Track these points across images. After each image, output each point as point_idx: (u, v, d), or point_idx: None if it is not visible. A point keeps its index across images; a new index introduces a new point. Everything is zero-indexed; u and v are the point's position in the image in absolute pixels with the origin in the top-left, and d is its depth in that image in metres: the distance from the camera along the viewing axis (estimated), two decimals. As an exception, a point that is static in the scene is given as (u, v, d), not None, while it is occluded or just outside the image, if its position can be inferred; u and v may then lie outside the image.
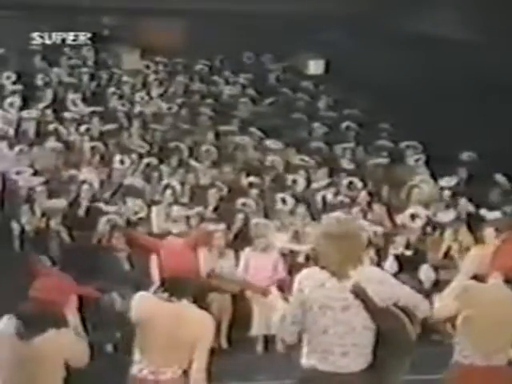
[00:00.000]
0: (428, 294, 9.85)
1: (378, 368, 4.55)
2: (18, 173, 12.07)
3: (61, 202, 11.19)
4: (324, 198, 12.19)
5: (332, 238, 4.56)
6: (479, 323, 5.07)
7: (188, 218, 11.02)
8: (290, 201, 11.69)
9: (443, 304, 5.19)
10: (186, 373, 4.93)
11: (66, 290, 4.84)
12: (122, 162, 12.50)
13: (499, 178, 12.78)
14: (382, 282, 4.56)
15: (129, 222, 11.04)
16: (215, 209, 11.69)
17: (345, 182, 12.55)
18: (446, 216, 11.55)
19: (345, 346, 4.50)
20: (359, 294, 4.47)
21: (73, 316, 4.88)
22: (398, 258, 10.64)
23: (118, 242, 10.33)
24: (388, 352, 4.54)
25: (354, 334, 4.51)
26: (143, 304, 4.95)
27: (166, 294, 4.92)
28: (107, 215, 10.95)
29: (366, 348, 4.54)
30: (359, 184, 12.47)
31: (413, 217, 11.44)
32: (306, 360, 4.60)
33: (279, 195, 11.79)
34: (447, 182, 12.56)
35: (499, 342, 5.14)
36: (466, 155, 13.68)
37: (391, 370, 4.60)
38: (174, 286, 4.91)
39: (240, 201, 11.66)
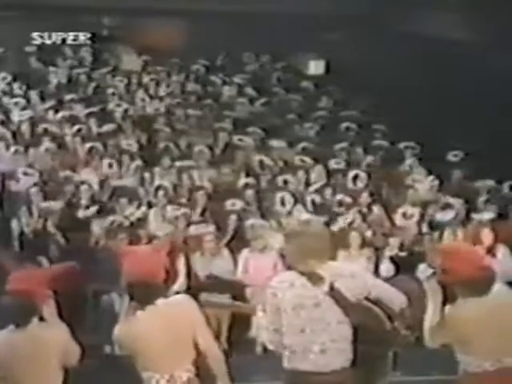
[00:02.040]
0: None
1: (360, 364, 4.54)
2: (14, 173, 12.06)
3: (57, 204, 11.17)
4: (322, 198, 12.19)
5: (292, 237, 4.63)
6: (476, 340, 4.96)
7: (176, 220, 10.98)
8: (289, 200, 11.68)
9: (432, 339, 5.06)
10: (198, 375, 4.90)
11: (40, 277, 4.86)
12: (110, 165, 12.50)
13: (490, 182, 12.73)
14: (351, 276, 4.55)
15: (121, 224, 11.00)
16: (204, 210, 11.64)
17: (351, 174, 12.54)
18: (445, 216, 11.53)
19: (323, 344, 4.50)
20: (330, 290, 4.46)
21: (50, 315, 4.89)
22: (393, 259, 10.61)
23: (122, 244, 10.30)
24: (368, 347, 4.52)
25: (329, 329, 4.51)
26: (127, 334, 4.89)
27: (137, 306, 4.85)
28: (113, 216, 10.92)
29: (344, 343, 4.53)
30: (364, 178, 12.47)
31: (405, 215, 11.44)
32: (288, 363, 4.61)
33: (278, 194, 11.76)
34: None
35: (505, 346, 5.02)
36: (461, 155, 13.70)
37: (374, 364, 4.58)
38: (138, 291, 4.86)
39: (230, 201, 11.61)
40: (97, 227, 10.77)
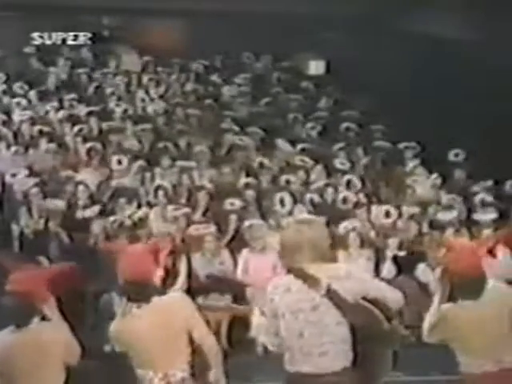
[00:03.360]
0: (429, 295, 9.96)
1: (360, 365, 4.53)
2: (14, 174, 12.06)
3: (60, 204, 11.17)
4: (322, 198, 12.19)
5: (290, 235, 4.62)
6: (474, 339, 4.95)
7: (177, 220, 10.98)
8: (289, 200, 11.67)
9: (429, 334, 5.09)
10: (194, 375, 4.91)
11: (39, 277, 4.87)
12: (119, 162, 12.48)
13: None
14: (348, 277, 4.54)
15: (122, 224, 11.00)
16: (206, 210, 11.64)
17: (344, 180, 12.54)
18: (447, 216, 11.52)
19: (322, 346, 4.50)
20: (327, 292, 4.46)
21: (51, 313, 4.90)
22: (395, 260, 10.62)
23: (121, 244, 10.29)
24: (367, 347, 4.52)
25: (328, 331, 4.50)
26: (123, 330, 4.90)
27: (133, 305, 4.86)
28: (114, 216, 10.91)
29: (343, 344, 4.52)
30: (358, 183, 12.47)
31: (405, 215, 11.47)
32: (289, 365, 4.61)
33: (278, 195, 11.75)
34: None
35: (504, 345, 5.01)
36: (463, 155, 13.70)
37: (374, 363, 4.58)
38: (133, 290, 4.86)
39: (228, 201, 11.60)
40: (97, 227, 10.76)
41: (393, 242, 10.83)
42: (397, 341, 4.61)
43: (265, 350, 9.81)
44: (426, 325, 5.05)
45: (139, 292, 4.85)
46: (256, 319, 4.88)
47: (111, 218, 10.82)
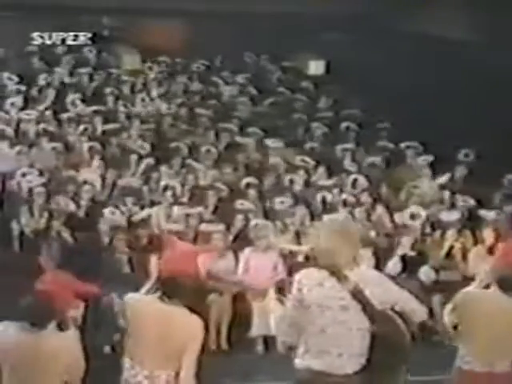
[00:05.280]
0: (428, 295, 9.96)
1: (372, 372, 4.52)
2: (16, 173, 12.04)
3: (66, 203, 11.15)
4: (324, 199, 12.17)
5: (333, 236, 4.56)
6: (478, 333, 4.99)
7: (187, 218, 10.98)
8: (289, 203, 11.69)
9: (446, 314, 5.19)
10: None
11: (68, 284, 4.88)
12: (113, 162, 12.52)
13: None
14: (379, 285, 4.54)
15: (130, 223, 11.00)
16: (215, 210, 11.66)
17: (350, 179, 12.53)
18: (450, 216, 11.50)
19: (341, 347, 4.49)
20: (358, 295, 4.44)
21: (74, 320, 4.89)
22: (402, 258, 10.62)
23: (119, 244, 10.29)
24: (383, 357, 4.51)
25: (349, 334, 4.49)
26: (135, 304, 4.92)
27: (157, 294, 4.88)
28: (110, 216, 10.91)
29: (360, 350, 4.52)
30: (364, 182, 12.46)
31: (413, 216, 11.42)
32: (301, 360, 4.59)
33: (277, 199, 11.76)
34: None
35: (501, 349, 5.04)
36: (464, 154, 13.69)
37: (385, 375, 4.56)
38: (171, 287, 4.88)
39: (239, 201, 11.63)
40: (104, 226, 10.75)
41: (407, 240, 10.79)
42: (410, 358, 4.60)
43: (265, 349, 9.84)
44: (448, 305, 5.13)
45: (176, 290, 4.87)
46: (272, 303, 4.82)
47: (117, 218, 10.82)
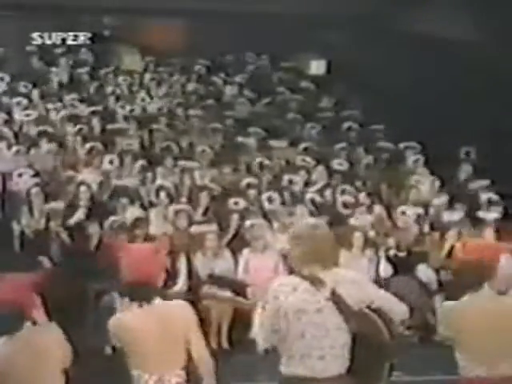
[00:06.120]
0: (430, 295, 9.96)
1: (356, 372, 4.52)
2: (16, 174, 12.04)
3: (60, 204, 11.14)
4: (323, 198, 12.18)
5: (299, 240, 4.59)
6: (474, 340, 4.95)
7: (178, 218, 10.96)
8: (278, 200, 11.68)
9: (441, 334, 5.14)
10: (189, 381, 4.89)
11: (24, 283, 4.81)
12: (111, 162, 12.47)
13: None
14: (353, 283, 4.54)
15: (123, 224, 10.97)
16: (206, 210, 11.63)
17: (340, 188, 12.50)
18: (452, 216, 11.50)
19: (322, 349, 4.49)
20: (333, 296, 4.45)
21: (41, 318, 4.86)
22: (390, 259, 10.59)
23: (122, 243, 10.26)
24: (365, 356, 4.51)
25: (329, 335, 4.49)
26: (122, 326, 4.88)
27: (134, 302, 4.85)
28: (112, 216, 10.89)
29: (342, 350, 4.51)
30: (352, 191, 12.42)
31: (407, 215, 11.44)
32: (286, 367, 4.59)
33: (265, 195, 11.74)
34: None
35: (501, 351, 5.00)
36: (464, 153, 13.70)
37: (370, 374, 4.56)
38: (136, 290, 4.84)
39: (232, 200, 11.59)
40: (93, 229, 10.71)
41: (392, 240, 10.80)
42: (395, 354, 4.59)
43: (265, 349, 9.84)
44: (439, 327, 5.10)
45: (142, 292, 4.83)
46: (258, 317, 4.84)
47: (111, 218, 10.79)
